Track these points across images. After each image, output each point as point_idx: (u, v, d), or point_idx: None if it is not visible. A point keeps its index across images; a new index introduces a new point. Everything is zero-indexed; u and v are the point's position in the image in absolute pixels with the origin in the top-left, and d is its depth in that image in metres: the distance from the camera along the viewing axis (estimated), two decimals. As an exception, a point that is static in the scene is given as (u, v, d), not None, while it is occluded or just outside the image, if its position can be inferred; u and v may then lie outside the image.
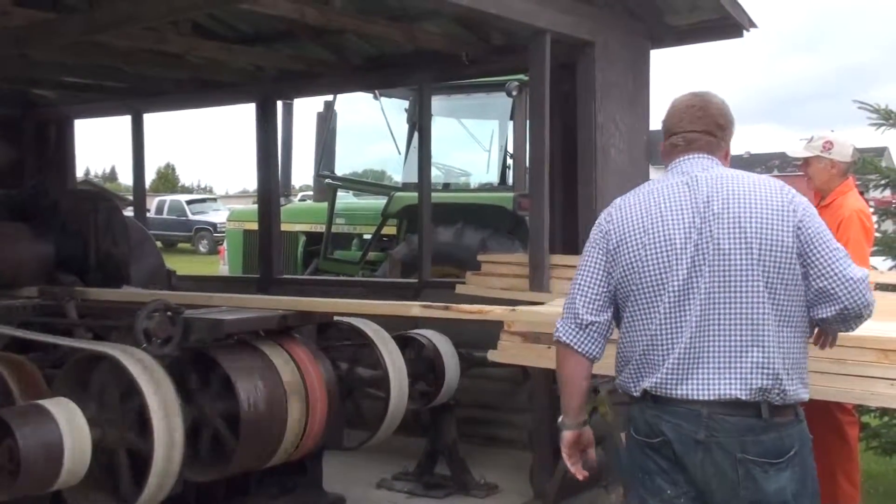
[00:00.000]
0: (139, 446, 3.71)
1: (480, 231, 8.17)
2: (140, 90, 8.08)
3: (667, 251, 2.63)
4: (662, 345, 2.63)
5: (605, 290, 2.72)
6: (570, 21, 5.32)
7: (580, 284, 2.75)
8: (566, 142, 5.66)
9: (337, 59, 6.95)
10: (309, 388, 4.24)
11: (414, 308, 4.41)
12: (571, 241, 5.64)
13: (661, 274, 2.63)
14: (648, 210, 2.71)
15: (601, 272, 2.73)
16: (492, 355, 4.54)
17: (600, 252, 2.74)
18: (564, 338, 2.73)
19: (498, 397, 6.22)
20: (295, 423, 4.16)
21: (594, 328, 2.72)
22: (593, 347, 2.73)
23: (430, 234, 7.04)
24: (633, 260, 2.68)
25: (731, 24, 5.87)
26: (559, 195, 5.65)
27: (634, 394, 2.71)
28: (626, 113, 5.84)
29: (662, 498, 2.66)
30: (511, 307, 4.44)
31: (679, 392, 2.60)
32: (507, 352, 4.46)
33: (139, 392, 3.63)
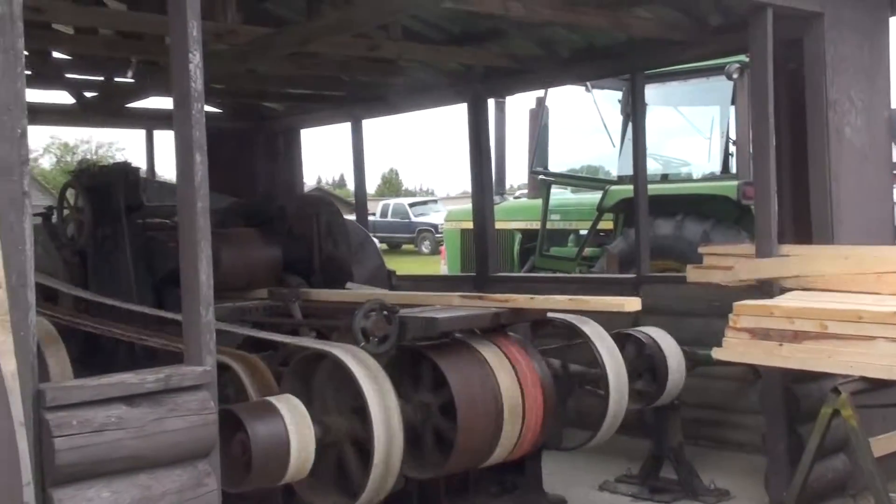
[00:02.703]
0: (360, 443, 3.79)
1: (702, 223, 7.85)
2: (357, 97, 8.38)
3: None
4: None
5: None
6: (794, -8, 4.94)
7: None
8: (795, 123, 5.29)
9: (545, 52, 6.85)
10: (524, 386, 4.18)
11: (455, 298, 4.59)
12: (803, 229, 5.25)
13: None
14: None
15: None
16: (717, 353, 4.28)
17: None
18: None
19: (726, 397, 5.91)
20: (511, 422, 4.11)
21: None
22: None
23: (647, 228, 6.81)
24: None
25: None
26: (788, 181, 5.30)
27: None
28: (863, 88, 5.37)
29: None
30: (531, 296, 4.49)
31: None
32: (733, 349, 4.19)
33: (359, 390, 3.71)
